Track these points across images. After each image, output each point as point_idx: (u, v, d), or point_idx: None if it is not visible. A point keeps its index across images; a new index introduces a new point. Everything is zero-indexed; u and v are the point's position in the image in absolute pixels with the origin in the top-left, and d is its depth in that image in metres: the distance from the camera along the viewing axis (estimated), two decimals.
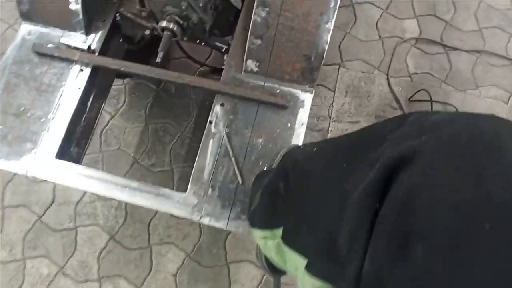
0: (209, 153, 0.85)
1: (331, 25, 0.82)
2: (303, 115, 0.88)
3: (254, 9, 0.83)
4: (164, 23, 0.88)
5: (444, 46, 1.57)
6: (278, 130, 0.87)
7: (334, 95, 1.49)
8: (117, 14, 0.96)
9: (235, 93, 0.86)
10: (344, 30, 1.57)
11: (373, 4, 1.61)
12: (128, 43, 1.06)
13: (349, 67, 1.53)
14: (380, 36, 1.57)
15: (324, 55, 0.85)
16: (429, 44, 1.57)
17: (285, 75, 0.88)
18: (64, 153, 0.86)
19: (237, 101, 0.88)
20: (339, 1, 0.81)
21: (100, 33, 0.93)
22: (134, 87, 1.49)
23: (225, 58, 0.98)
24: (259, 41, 0.84)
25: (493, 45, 1.59)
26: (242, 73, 0.90)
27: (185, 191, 0.81)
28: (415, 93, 1.46)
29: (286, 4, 0.81)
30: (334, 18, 0.82)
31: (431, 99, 1.45)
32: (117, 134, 1.43)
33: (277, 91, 0.89)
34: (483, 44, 1.58)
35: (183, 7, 0.87)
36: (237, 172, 0.82)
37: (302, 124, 0.87)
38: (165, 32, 0.89)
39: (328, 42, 0.84)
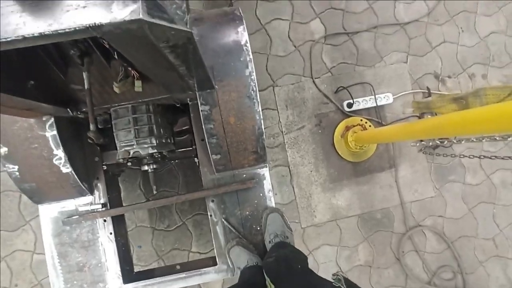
0: (219, 235, 1.24)
1: (262, 128, 1.14)
2: (267, 183, 1.26)
3: (206, 137, 1.13)
4: (145, 167, 1.18)
5: (348, 33, 1.87)
6: (256, 200, 1.26)
7: (278, 113, 1.82)
8: (104, 168, 1.23)
9: (218, 192, 1.22)
10: (265, 53, 1.83)
11: (279, 19, 1.84)
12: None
13: (280, 84, 1.83)
14: (295, 46, 1.84)
15: (265, 146, 1.18)
16: (336, 37, 1.86)
17: (245, 165, 1.23)
18: (125, 277, 1.23)
19: (222, 195, 1.24)
20: (261, 113, 1.12)
21: (101, 188, 1.22)
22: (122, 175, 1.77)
23: (196, 161, 1.29)
24: (218, 156, 1.17)
25: (384, 16, 1.89)
26: (216, 174, 1.24)
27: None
28: (337, 90, 1.81)
29: (228, 130, 1.11)
30: (262, 124, 1.14)
31: (347, 90, 1.81)
32: (129, 216, 1.76)
33: (244, 175, 1.25)
34: (376, 19, 1.89)
35: (152, 149, 1.15)
36: (242, 238, 1.23)
37: (269, 190, 1.26)
38: (150, 171, 1.19)
39: (264, 139, 1.17)
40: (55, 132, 1.06)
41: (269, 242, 1.21)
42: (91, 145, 1.19)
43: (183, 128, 1.38)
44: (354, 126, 1.79)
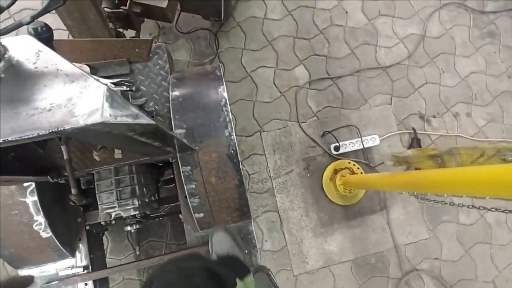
0: None
1: (244, 186, 1.14)
2: (252, 239, 1.24)
3: (188, 197, 1.12)
4: (128, 228, 1.16)
5: (331, 78, 1.92)
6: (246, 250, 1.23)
7: (266, 158, 1.83)
8: (87, 228, 1.21)
9: (203, 251, 1.19)
10: (252, 100, 1.86)
11: (264, 66, 1.89)
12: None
13: (267, 129, 1.85)
14: (281, 92, 1.88)
15: (249, 203, 1.18)
16: (320, 82, 1.91)
17: (229, 222, 1.21)
18: None
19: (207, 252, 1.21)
20: (242, 171, 1.12)
21: (83, 249, 1.20)
22: None
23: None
24: (201, 214, 1.16)
25: (366, 61, 1.96)
26: (200, 231, 1.22)
27: None
28: (323, 134, 1.83)
29: (209, 189, 1.11)
30: (244, 181, 1.14)
31: (332, 134, 1.83)
32: None
33: None
34: (359, 64, 1.95)
35: (134, 211, 1.14)
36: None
37: (255, 247, 1.24)
38: (133, 231, 1.17)
39: (247, 196, 1.16)
40: (35, 198, 1.06)
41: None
42: (73, 206, 1.18)
43: (171, 176, 1.37)
44: (342, 169, 1.79)
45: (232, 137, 1.10)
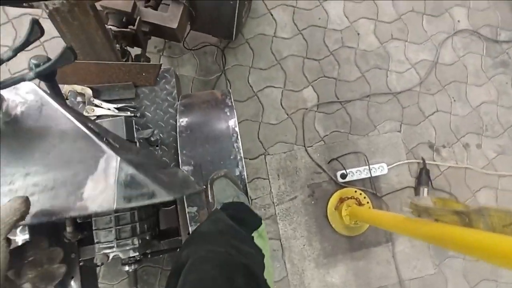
0: None
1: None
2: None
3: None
4: (126, 267, 1.08)
5: (340, 102, 1.86)
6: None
7: (270, 182, 1.76)
8: (81, 263, 1.12)
9: None
10: (257, 121, 1.79)
11: (272, 86, 1.82)
12: None
13: (272, 153, 1.78)
14: (287, 114, 1.82)
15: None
16: (328, 105, 1.85)
17: None
18: None
19: None
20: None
21: (75, 287, 1.11)
22: None
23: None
24: None
25: (376, 85, 1.90)
26: None
27: None
28: (330, 161, 1.77)
29: None
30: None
31: (339, 161, 1.77)
32: None
33: None
34: (369, 88, 1.89)
35: (133, 252, 1.06)
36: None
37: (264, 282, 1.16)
38: (130, 271, 1.09)
39: None
40: (26, 237, 0.97)
41: None
42: (67, 242, 1.09)
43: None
44: (348, 198, 1.73)
45: (243, 176, 1.03)
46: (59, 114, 0.53)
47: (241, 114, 1.77)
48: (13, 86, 0.53)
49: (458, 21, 2.04)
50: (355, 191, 1.75)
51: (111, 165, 0.47)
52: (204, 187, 1.00)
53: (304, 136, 1.80)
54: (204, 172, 1.02)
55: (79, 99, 1.16)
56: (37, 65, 0.69)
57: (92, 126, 0.58)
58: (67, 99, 1.15)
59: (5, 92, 0.56)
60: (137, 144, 1.16)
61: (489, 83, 2.00)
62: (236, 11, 1.33)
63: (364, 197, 1.75)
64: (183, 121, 1.11)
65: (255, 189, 1.75)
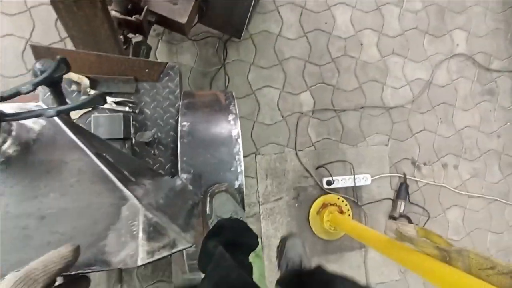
0: None
1: None
2: None
3: None
4: None
5: (335, 110, 1.88)
6: None
7: (257, 181, 1.78)
8: None
9: None
10: (252, 119, 1.78)
11: (270, 86, 1.81)
12: None
13: (263, 153, 1.79)
14: (283, 116, 1.82)
15: None
16: (323, 112, 1.87)
17: None
18: None
19: None
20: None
21: None
22: None
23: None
24: (195, 261, 1.10)
25: (372, 98, 1.93)
26: (187, 273, 1.16)
27: None
28: (318, 167, 1.81)
29: None
30: None
31: (326, 169, 1.82)
32: None
33: None
34: (364, 100, 1.92)
35: None
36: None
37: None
38: None
39: None
40: None
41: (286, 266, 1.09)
42: None
43: None
44: (331, 205, 1.80)
45: (242, 188, 1.04)
46: (75, 147, 0.51)
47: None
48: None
49: (457, 44, 2.09)
50: (338, 198, 1.82)
51: (134, 216, 0.46)
52: (202, 197, 1.01)
53: (296, 139, 1.82)
54: (202, 181, 1.02)
55: (74, 87, 1.10)
56: (42, 71, 0.65)
57: (108, 158, 0.56)
58: None
59: (10, 108, 0.52)
60: (133, 140, 1.13)
61: (475, 109, 2.09)
62: (249, 13, 1.28)
63: (346, 205, 1.82)
64: (184, 125, 1.08)
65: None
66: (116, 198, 0.47)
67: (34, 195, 0.45)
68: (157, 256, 0.46)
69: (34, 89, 0.44)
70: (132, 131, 1.13)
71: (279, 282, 1.01)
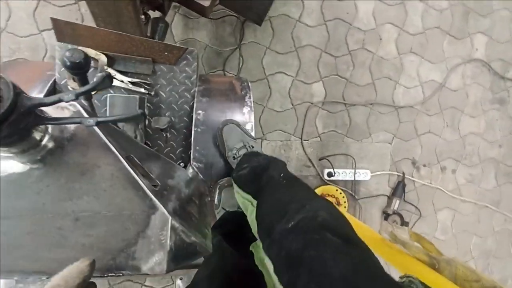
0: None
1: None
2: None
3: None
4: None
5: (345, 104, 1.88)
6: None
7: None
8: None
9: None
10: (262, 104, 1.78)
11: (284, 73, 1.79)
12: None
13: (270, 139, 1.81)
14: (293, 105, 1.82)
15: None
16: (333, 104, 1.87)
17: None
18: None
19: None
20: None
21: None
22: None
23: None
24: None
25: (383, 95, 1.92)
26: None
27: None
28: (321, 159, 1.84)
29: None
30: None
31: (329, 161, 1.85)
32: None
33: None
34: (375, 96, 1.91)
35: None
36: None
37: None
38: None
39: None
40: None
41: (234, 157, 1.02)
42: None
43: None
44: (329, 195, 1.85)
45: None
46: (107, 150, 0.52)
47: None
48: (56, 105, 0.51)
49: (476, 49, 2.05)
50: (336, 190, 1.87)
51: (163, 226, 0.49)
52: (211, 187, 1.04)
53: (303, 129, 1.84)
54: (213, 172, 1.05)
55: (91, 64, 1.09)
56: (71, 62, 0.65)
57: (135, 159, 0.58)
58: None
59: (49, 110, 0.53)
60: (146, 122, 1.14)
61: (482, 116, 2.10)
62: (273, 1, 1.25)
63: (343, 197, 1.88)
64: (199, 113, 1.09)
65: None
66: (146, 206, 0.50)
67: (69, 197, 0.48)
68: (182, 264, 0.49)
69: (76, 99, 0.45)
70: (146, 112, 1.14)
71: (233, 176, 0.94)
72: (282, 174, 0.82)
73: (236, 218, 0.97)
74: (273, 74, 1.78)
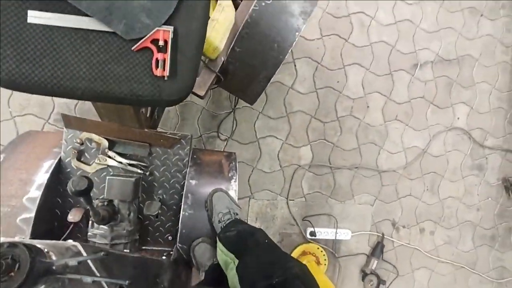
0: None
1: None
2: None
3: None
4: None
5: (331, 167, 1.99)
6: None
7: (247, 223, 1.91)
8: None
9: None
10: (252, 165, 1.89)
11: (274, 136, 1.90)
12: None
13: (257, 198, 1.91)
14: (281, 166, 1.93)
15: None
16: (319, 167, 1.97)
17: None
18: None
19: None
20: None
21: None
22: None
23: None
24: None
25: (367, 159, 2.04)
26: None
27: None
28: (304, 218, 1.94)
29: None
30: None
31: (310, 222, 1.95)
32: None
33: None
34: (360, 160, 2.03)
35: None
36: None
37: None
38: None
39: None
40: None
41: (219, 221, 1.14)
42: None
43: None
44: (310, 253, 1.94)
45: None
46: None
47: (238, 155, 1.85)
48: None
49: (458, 118, 2.18)
50: (318, 248, 1.96)
51: None
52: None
53: (289, 189, 1.94)
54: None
55: (94, 145, 1.20)
56: (77, 190, 0.75)
57: None
58: (82, 144, 1.19)
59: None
60: (139, 199, 1.24)
61: (461, 181, 2.21)
62: (267, 85, 1.37)
63: (324, 255, 1.96)
64: (189, 196, 1.20)
65: None
66: None
67: None
68: None
69: (79, 264, 0.55)
70: (140, 191, 1.24)
71: (220, 236, 1.09)
72: (266, 241, 0.99)
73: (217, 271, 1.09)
74: (264, 137, 1.89)
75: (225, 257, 1.00)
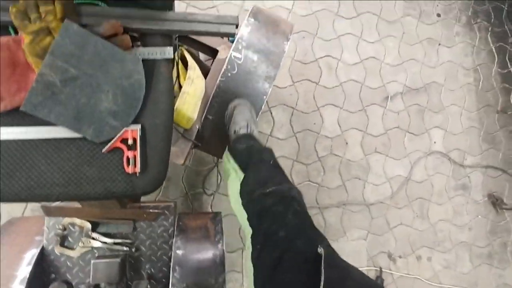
0: None
1: None
2: None
3: None
4: None
5: (319, 207, 2.01)
6: None
7: (242, 276, 1.88)
8: None
9: None
10: None
11: None
12: None
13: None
14: None
15: None
16: (308, 209, 1.98)
17: None
18: None
19: None
20: None
21: None
22: None
23: None
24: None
25: (353, 195, 2.07)
26: None
27: None
28: None
29: None
30: None
31: None
32: None
33: None
34: (346, 196, 2.06)
35: None
36: None
37: None
38: None
39: None
40: None
41: (234, 132, 1.21)
42: None
43: None
44: None
45: None
46: None
47: (226, 208, 1.87)
48: None
49: (434, 142, 2.25)
50: None
51: None
52: None
53: None
54: None
55: (77, 229, 1.20)
56: None
57: None
58: (65, 229, 1.19)
59: None
60: (127, 277, 1.23)
61: (449, 203, 2.25)
62: None
63: None
64: (176, 270, 1.19)
65: (229, 281, 1.86)
66: None
67: None
68: None
69: None
70: (127, 269, 1.23)
71: (230, 146, 1.14)
72: (271, 161, 1.02)
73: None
74: None
75: (229, 166, 1.09)
